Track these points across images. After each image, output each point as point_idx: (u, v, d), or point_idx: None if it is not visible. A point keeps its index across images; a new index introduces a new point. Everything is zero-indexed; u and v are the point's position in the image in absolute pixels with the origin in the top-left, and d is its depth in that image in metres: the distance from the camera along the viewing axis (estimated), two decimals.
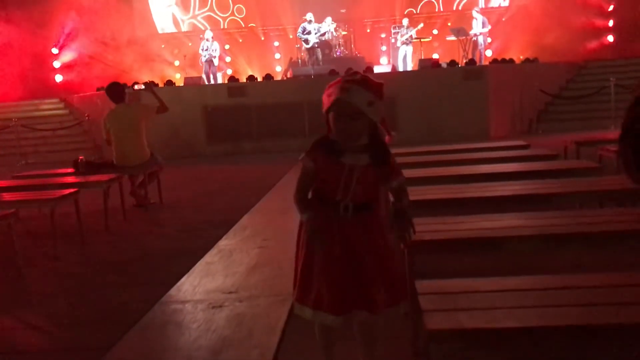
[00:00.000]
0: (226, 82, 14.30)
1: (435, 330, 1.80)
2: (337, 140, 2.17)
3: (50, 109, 15.97)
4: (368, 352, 2.38)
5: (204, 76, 15.15)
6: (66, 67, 17.94)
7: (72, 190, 5.36)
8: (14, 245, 4.60)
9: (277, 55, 19.20)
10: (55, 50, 17.87)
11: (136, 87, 7.32)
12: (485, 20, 15.78)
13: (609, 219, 2.98)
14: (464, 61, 14.14)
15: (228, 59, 18.71)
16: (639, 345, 1.77)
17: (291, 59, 17.98)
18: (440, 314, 1.91)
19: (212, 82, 15.09)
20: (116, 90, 6.94)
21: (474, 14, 15.90)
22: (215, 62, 15.55)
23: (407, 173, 4.86)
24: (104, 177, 6.15)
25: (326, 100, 2.16)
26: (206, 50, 15.42)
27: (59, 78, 17.85)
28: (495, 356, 2.11)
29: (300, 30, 15.38)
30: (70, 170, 6.93)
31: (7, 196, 5.46)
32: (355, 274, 2.17)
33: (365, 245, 2.18)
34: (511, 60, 14.08)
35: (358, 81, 2.11)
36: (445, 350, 1.84)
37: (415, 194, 3.96)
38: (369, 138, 2.18)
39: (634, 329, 1.77)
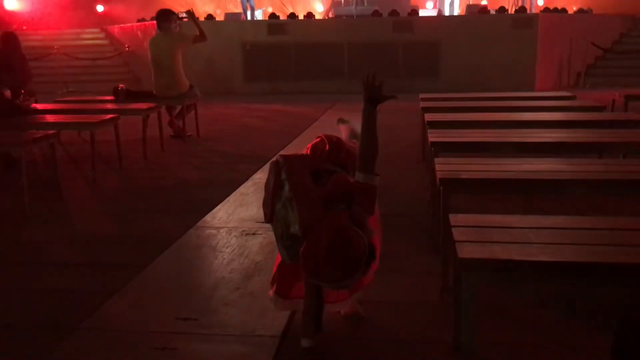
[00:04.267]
0: (266, 19, 14.08)
1: (467, 259, 1.80)
2: None
3: (91, 39, 16.06)
4: None
5: (243, 12, 14.92)
6: None
7: (112, 115, 5.44)
8: (56, 165, 4.73)
9: None
10: None
11: (179, 14, 7.32)
12: None
13: None
14: (514, 9, 13.60)
15: None
16: None
17: None
18: (474, 245, 1.90)
19: (250, 17, 14.82)
20: (159, 16, 6.91)
21: None
22: None
23: (447, 117, 4.81)
24: (143, 106, 6.22)
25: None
26: None
27: (100, 8, 17.86)
28: (525, 290, 2.11)
29: None
30: (110, 98, 7.01)
31: (49, 118, 5.58)
32: None
33: None
34: (563, 10, 13.47)
35: (338, 277, 1.94)
36: (475, 281, 1.85)
37: (454, 135, 3.91)
38: None
39: None
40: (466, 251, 1.84)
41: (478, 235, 2.00)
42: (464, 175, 2.79)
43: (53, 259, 3.42)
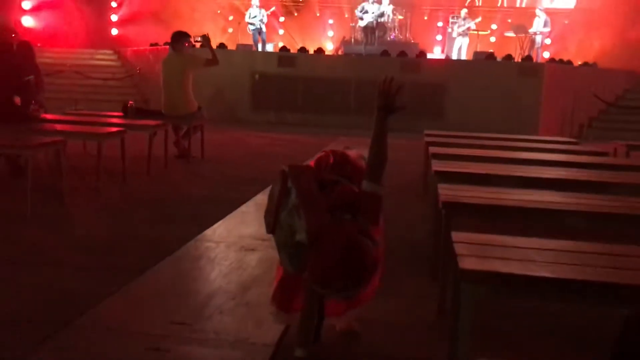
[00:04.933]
0: (277, 51, 14.33)
1: (468, 270, 1.81)
2: None
3: (103, 59, 16.31)
4: None
5: (254, 45, 15.20)
6: (123, 22, 18.25)
7: (119, 128, 5.49)
8: (61, 172, 4.76)
9: (330, 33, 19.12)
10: (114, 4, 18.20)
11: (194, 39, 7.52)
12: (548, 20, 15.35)
13: None
14: (520, 58, 13.84)
15: (281, 32, 18.74)
16: None
17: (344, 37, 17.89)
18: (475, 258, 1.91)
19: (262, 51, 15.09)
20: (173, 37, 7.05)
21: (538, 12, 15.48)
22: (263, 28, 15.51)
23: (451, 151, 4.86)
24: (150, 122, 6.28)
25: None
26: (254, 17, 15.37)
27: (115, 31, 18.18)
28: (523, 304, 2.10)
29: (359, 8, 15.34)
30: (119, 113, 7.09)
31: (58, 127, 5.64)
32: None
33: None
34: (569, 62, 13.70)
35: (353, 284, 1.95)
36: (475, 294, 1.85)
37: (457, 166, 3.94)
38: None
39: None
40: (467, 262, 1.85)
41: (480, 251, 2.01)
42: (466, 200, 2.81)
43: (51, 259, 3.42)
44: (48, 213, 4.41)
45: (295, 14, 19.18)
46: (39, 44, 16.92)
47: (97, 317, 2.61)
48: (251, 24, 15.45)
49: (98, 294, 2.84)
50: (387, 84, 2.13)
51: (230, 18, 18.83)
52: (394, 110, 2.15)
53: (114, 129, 5.45)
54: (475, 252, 1.99)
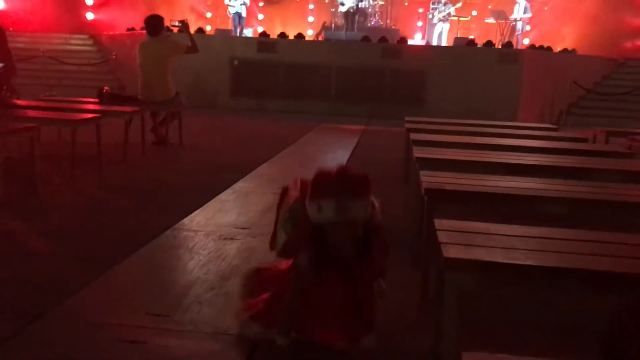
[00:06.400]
0: (257, 36, 14.16)
1: (452, 258, 1.77)
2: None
3: (78, 44, 15.97)
4: None
5: (233, 30, 15.00)
6: (98, 6, 17.87)
7: (95, 115, 5.35)
8: (34, 160, 4.63)
9: (310, 19, 18.98)
10: None
11: (171, 23, 7.35)
12: (528, 6, 15.42)
13: (635, 193, 2.91)
14: (501, 44, 13.87)
15: (260, 17, 18.54)
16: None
17: (324, 23, 17.77)
18: (458, 247, 1.87)
19: (239, 35, 14.90)
20: (151, 22, 6.87)
21: None
22: (243, 13, 15.28)
23: (432, 137, 4.82)
24: (126, 108, 6.14)
25: (313, 212, 1.99)
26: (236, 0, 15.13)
27: (90, 16, 17.79)
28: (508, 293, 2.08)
29: None
30: (94, 100, 6.93)
31: (31, 113, 5.48)
32: None
33: None
34: (549, 48, 13.76)
35: (354, 193, 1.97)
36: (459, 283, 1.81)
37: (438, 153, 3.91)
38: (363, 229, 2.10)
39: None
40: (451, 251, 1.81)
41: (463, 239, 1.97)
42: (448, 187, 2.77)
43: (23, 249, 3.32)
44: (21, 202, 4.30)
45: None
46: (10, 28, 16.52)
47: (71, 309, 2.54)
48: (232, 6, 15.17)
49: (72, 285, 2.76)
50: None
51: (209, 2, 18.56)
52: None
53: (89, 115, 5.31)
54: (458, 240, 1.95)
